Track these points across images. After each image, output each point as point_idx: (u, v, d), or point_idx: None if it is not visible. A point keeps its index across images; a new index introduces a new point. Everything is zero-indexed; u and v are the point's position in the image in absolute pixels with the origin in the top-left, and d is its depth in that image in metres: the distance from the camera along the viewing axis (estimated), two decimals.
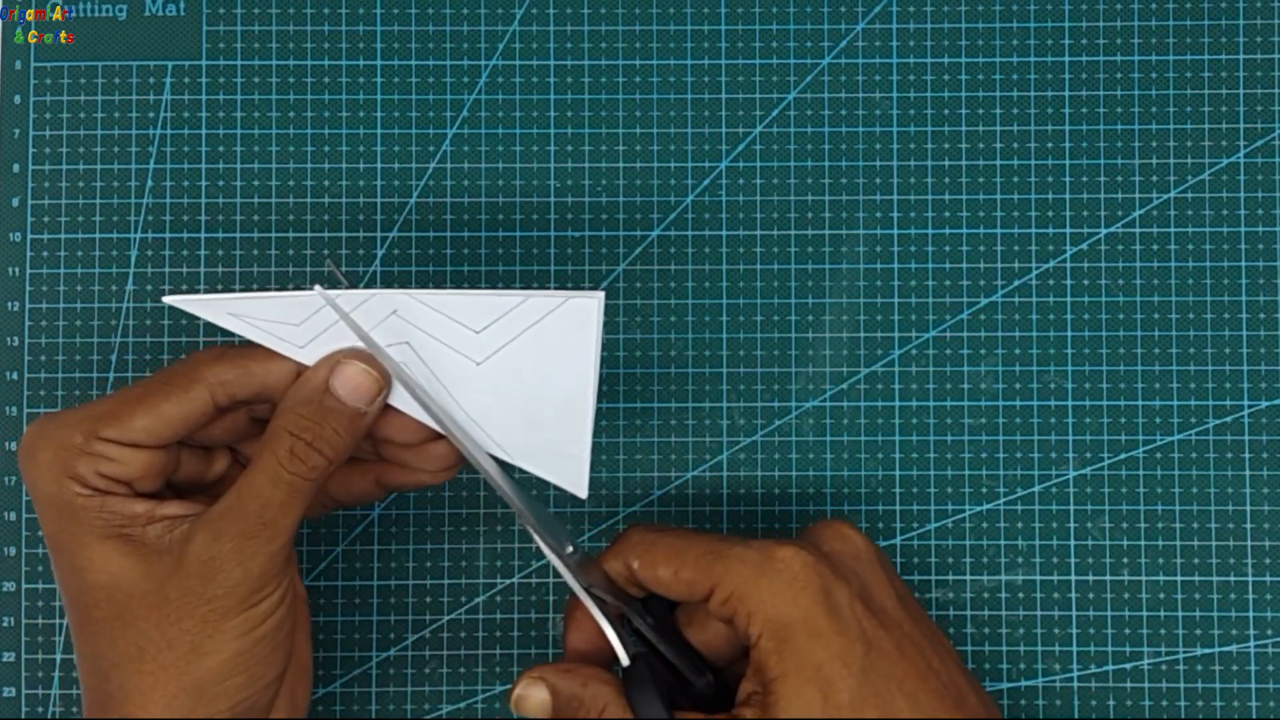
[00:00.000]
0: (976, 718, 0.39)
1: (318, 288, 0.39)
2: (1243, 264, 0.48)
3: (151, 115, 0.49)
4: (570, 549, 0.41)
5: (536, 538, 0.41)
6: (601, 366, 0.42)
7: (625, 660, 0.40)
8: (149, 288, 0.49)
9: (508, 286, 0.48)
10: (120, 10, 0.50)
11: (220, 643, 0.37)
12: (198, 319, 0.48)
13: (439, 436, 0.40)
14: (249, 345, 0.40)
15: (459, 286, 0.48)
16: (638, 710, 0.39)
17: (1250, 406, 0.48)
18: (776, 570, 0.39)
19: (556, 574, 0.48)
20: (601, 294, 0.39)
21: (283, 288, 0.48)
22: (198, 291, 0.48)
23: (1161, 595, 0.47)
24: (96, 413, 0.39)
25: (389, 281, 0.48)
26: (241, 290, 0.48)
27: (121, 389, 0.39)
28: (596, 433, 0.48)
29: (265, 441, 0.39)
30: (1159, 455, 0.48)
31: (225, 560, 0.37)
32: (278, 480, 0.38)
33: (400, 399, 0.40)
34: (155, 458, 0.39)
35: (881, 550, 0.42)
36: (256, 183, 0.49)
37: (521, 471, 0.41)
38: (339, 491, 0.43)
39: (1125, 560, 0.48)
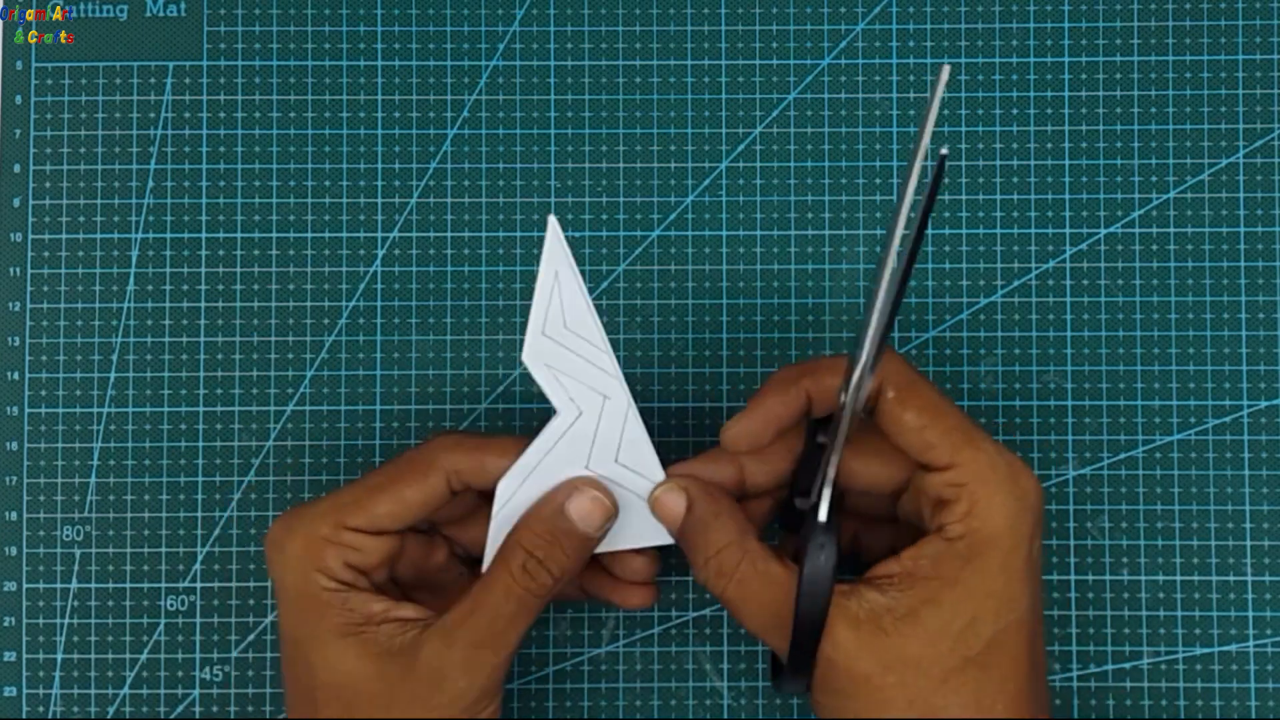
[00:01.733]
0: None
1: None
2: (1242, 264, 0.48)
3: (152, 116, 0.49)
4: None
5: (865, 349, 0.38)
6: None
7: (823, 516, 0.38)
8: (149, 288, 0.49)
9: (508, 287, 0.48)
10: (121, 11, 0.50)
11: None
12: (199, 320, 0.48)
13: (638, 551, 0.43)
14: (483, 435, 0.42)
15: (460, 287, 0.48)
16: (809, 564, 0.37)
17: (1250, 406, 0.48)
18: (1019, 494, 0.38)
19: None
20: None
21: (282, 288, 0.49)
22: (198, 291, 0.48)
23: (1161, 595, 0.47)
24: (341, 503, 0.40)
25: (389, 281, 0.48)
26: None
27: (360, 479, 0.41)
28: None
29: (500, 555, 0.40)
30: (1159, 455, 0.48)
31: (454, 668, 0.38)
32: (509, 593, 0.39)
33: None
34: (391, 544, 0.41)
35: None
36: (257, 183, 0.49)
37: None
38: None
39: (1125, 560, 0.48)
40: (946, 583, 0.37)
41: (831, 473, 0.39)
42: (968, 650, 0.37)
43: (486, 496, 0.42)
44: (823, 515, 0.38)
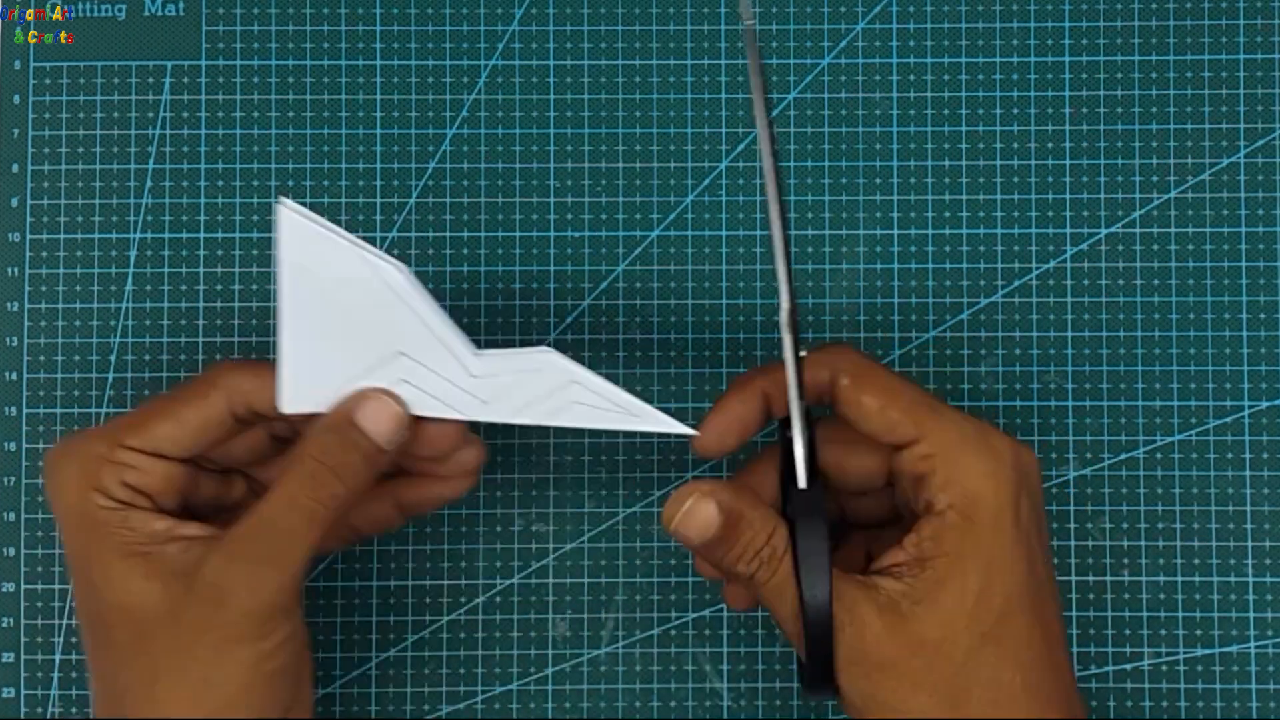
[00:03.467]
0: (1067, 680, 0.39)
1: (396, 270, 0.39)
2: (1243, 264, 0.48)
3: (151, 115, 0.49)
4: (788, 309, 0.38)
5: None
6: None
7: (803, 481, 0.38)
8: (149, 288, 0.49)
9: (507, 287, 0.48)
10: (120, 10, 0.49)
11: (230, 673, 0.37)
12: (199, 320, 0.48)
13: (465, 444, 0.41)
14: (268, 361, 0.40)
15: (459, 287, 0.48)
16: (801, 541, 0.37)
17: (1250, 406, 0.48)
18: (992, 453, 0.38)
19: (556, 573, 0.48)
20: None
21: None
22: (198, 291, 0.48)
23: (1161, 595, 0.47)
24: (118, 424, 0.39)
25: None
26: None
27: (143, 402, 0.40)
28: (597, 433, 0.48)
29: (286, 466, 0.39)
30: (1159, 455, 0.48)
31: (237, 584, 0.37)
32: (294, 504, 0.38)
33: (425, 407, 0.40)
34: (176, 469, 0.39)
35: None
36: (256, 183, 0.49)
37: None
38: (359, 520, 0.42)
39: (1125, 560, 0.48)
40: (949, 559, 0.37)
41: (799, 440, 0.38)
42: (981, 626, 0.37)
43: (278, 440, 0.42)
44: (802, 481, 0.38)
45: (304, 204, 0.48)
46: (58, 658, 0.47)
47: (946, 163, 0.49)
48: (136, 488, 0.39)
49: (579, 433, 0.48)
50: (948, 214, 0.49)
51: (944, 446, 0.38)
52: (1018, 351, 0.48)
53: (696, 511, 0.38)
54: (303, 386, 0.39)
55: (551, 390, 0.39)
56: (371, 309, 0.39)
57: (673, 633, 0.48)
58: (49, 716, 0.47)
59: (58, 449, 0.39)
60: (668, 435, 0.39)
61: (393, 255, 0.48)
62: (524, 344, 0.48)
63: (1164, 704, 0.47)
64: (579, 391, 0.39)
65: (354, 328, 0.39)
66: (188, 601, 0.37)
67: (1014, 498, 0.38)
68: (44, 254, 0.49)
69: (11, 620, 0.48)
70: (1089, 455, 0.48)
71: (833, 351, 0.40)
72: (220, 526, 0.39)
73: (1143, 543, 0.48)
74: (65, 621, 0.47)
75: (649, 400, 0.48)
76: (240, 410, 0.40)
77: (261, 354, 0.48)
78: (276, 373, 0.39)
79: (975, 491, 0.37)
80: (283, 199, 0.39)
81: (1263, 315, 0.48)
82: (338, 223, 0.49)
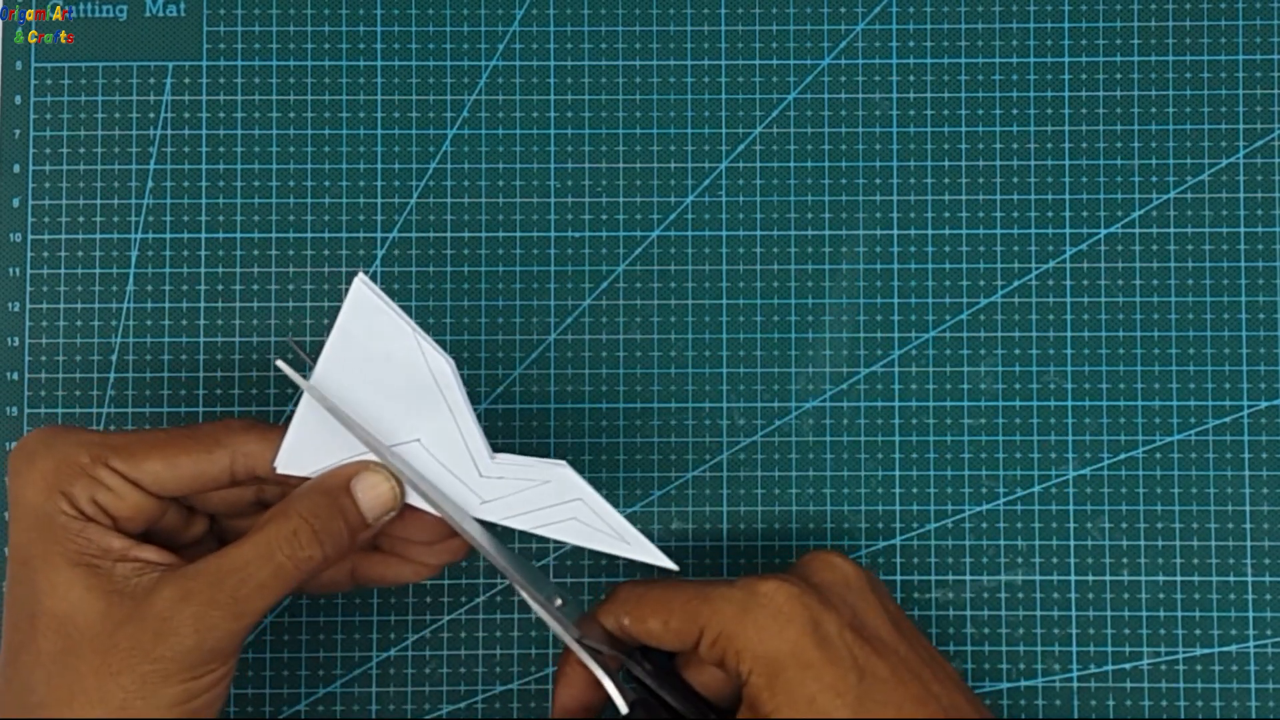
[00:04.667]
0: None
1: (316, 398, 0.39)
2: (1242, 264, 0.48)
3: (152, 116, 0.49)
4: (559, 602, 0.40)
5: (525, 595, 0.40)
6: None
7: (624, 707, 0.40)
8: (149, 288, 0.49)
9: (508, 287, 0.48)
10: (121, 11, 0.50)
11: (151, 705, 0.36)
12: (199, 320, 0.48)
13: (453, 534, 0.41)
14: (278, 425, 0.40)
15: (459, 287, 0.48)
16: None
17: (1250, 406, 0.48)
18: (761, 606, 0.39)
19: (557, 573, 0.48)
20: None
21: (282, 288, 0.48)
22: (198, 291, 0.48)
23: (1161, 595, 0.47)
24: (111, 441, 0.38)
25: (389, 282, 0.48)
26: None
27: (144, 429, 0.39)
28: (597, 433, 0.48)
29: (270, 517, 0.38)
30: (1159, 455, 0.48)
31: (184, 623, 0.36)
32: (268, 558, 0.37)
33: (419, 500, 0.40)
34: (150, 503, 0.38)
35: (874, 576, 0.41)
36: (256, 183, 0.49)
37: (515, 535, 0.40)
38: (312, 581, 0.42)
39: (1125, 560, 0.48)
40: (775, 716, 0.38)
41: (598, 671, 0.40)
42: None
43: (263, 503, 0.41)
44: (622, 707, 0.40)
45: (304, 204, 0.49)
46: None
47: (946, 163, 0.49)
48: (104, 508, 0.38)
49: (579, 432, 0.48)
50: (948, 214, 0.49)
51: (723, 625, 0.39)
52: (1017, 351, 0.48)
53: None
54: (304, 449, 0.39)
55: (555, 503, 0.39)
56: (405, 393, 0.39)
57: None
58: None
59: (38, 438, 0.38)
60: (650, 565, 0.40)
61: (393, 255, 0.49)
62: (524, 345, 0.48)
63: (1163, 704, 0.47)
64: (580, 509, 0.39)
65: (379, 407, 0.39)
66: (128, 626, 0.36)
67: (807, 629, 0.38)
68: (45, 254, 0.49)
69: None
70: (1088, 455, 0.48)
71: (612, 598, 0.41)
72: (178, 555, 0.38)
73: (1142, 543, 0.48)
74: None
75: (648, 398, 0.48)
76: (241, 473, 0.39)
77: (262, 354, 0.48)
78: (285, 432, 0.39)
79: (763, 650, 0.38)
80: (362, 274, 0.38)
81: (1262, 315, 0.48)
82: (339, 223, 0.49)
